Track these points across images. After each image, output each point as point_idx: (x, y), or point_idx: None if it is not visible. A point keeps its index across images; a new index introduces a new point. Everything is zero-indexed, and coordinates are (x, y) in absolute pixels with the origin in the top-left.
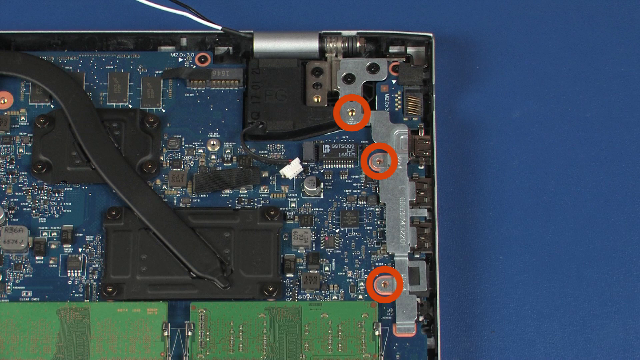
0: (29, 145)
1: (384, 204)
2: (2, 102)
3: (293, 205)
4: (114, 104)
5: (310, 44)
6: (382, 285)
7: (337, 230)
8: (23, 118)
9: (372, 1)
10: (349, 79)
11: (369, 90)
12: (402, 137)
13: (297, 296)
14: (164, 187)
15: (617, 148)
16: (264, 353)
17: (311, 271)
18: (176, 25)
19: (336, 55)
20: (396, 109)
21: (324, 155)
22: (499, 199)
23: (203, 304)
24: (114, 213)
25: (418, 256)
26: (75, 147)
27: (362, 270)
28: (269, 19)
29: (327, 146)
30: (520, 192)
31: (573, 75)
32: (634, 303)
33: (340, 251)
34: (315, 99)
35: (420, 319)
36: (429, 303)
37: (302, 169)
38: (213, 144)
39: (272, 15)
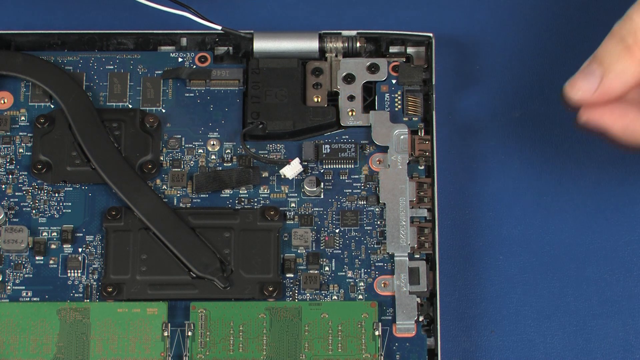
0: (29, 145)
1: (384, 204)
2: (2, 102)
3: (293, 205)
4: (114, 104)
5: (310, 44)
6: (382, 285)
7: (337, 230)
8: (23, 118)
9: (372, 1)
10: (349, 79)
11: (369, 90)
12: (402, 137)
13: (297, 296)
14: (164, 187)
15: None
16: (264, 353)
17: (311, 271)
18: (176, 25)
19: (336, 55)
20: (396, 109)
21: (324, 155)
22: (499, 199)
23: (203, 304)
24: (114, 213)
25: (418, 256)
26: (75, 147)
27: (362, 270)
28: (269, 19)
29: (327, 146)
30: (520, 192)
31: (573, 75)
32: (634, 303)
33: (340, 251)
34: (315, 99)
35: (420, 319)
36: (429, 303)
37: (302, 169)
38: (213, 144)
39: (272, 15)
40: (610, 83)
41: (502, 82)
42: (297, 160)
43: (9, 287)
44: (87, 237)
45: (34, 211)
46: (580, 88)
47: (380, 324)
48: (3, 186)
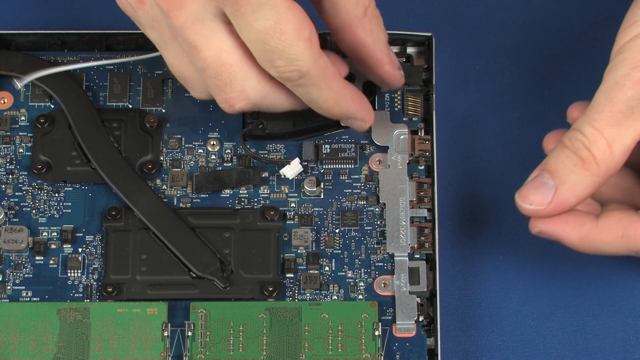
0: (29, 145)
1: (384, 204)
2: (2, 102)
3: (293, 205)
4: (114, 104)
5: None
6: (382, 285)
7: (337, 230)
8: (23, 118)
9: None
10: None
11: (369, 90)
12: (402, 137)
13: (297, 296)
14: (164, 187)
15: None
16: (264, 353)
17: (311, 271)
18: None
19: None
20: (396, 109)
21: (324, 155)
22: (499, 199)
23: (203, 304)
24: (114, 213)
25: (418, 256)
26: (75, 147)
27: (362, 270)
28: None
29: (327, 146)
30: None
31: (573, 75)
32: (634, 303)
33: (340, 251)
34: None
35: (420, 319)
36: (429, 303)
37: (302, 169)
38: (213, 144)
39: None
40: (565, 195)
41: (502, 82)
42: (297, 160)
43: (9, 287)
44: (87, 237)
45: (34, 211)
46: (533, 201)
47: (380, 324)
48: (3, 186)
